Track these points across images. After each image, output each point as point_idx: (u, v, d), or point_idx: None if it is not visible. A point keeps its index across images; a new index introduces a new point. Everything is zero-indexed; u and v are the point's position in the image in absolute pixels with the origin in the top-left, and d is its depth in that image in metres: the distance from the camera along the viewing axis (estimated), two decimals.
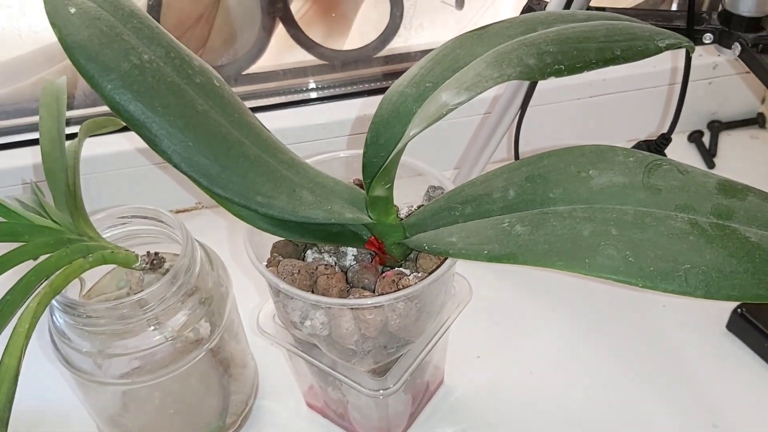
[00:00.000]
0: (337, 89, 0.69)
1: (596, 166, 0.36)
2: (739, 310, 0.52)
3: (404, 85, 0.38)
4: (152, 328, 0.41)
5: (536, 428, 0.48)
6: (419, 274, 0.40)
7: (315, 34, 0.71)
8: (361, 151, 0.40)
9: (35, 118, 0.65)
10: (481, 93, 0.34)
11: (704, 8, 0.49)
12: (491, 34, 0.38)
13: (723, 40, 0.47)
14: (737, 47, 0.46)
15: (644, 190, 0.35)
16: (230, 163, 0.38)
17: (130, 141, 0.63)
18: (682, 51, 0.63)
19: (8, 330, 0.37)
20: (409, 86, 0.38)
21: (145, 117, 0.35)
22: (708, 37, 0.47)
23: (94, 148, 0.62)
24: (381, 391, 0.41)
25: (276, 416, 0.50)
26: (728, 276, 0.31)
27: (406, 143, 0.35)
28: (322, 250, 0.43)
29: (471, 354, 0.53)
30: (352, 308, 0.38)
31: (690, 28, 0.46)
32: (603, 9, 0.50)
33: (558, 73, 0.35)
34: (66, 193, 0.43)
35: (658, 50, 0.38)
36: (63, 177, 0.43)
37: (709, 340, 0.53)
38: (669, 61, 0.66)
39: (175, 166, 0.36)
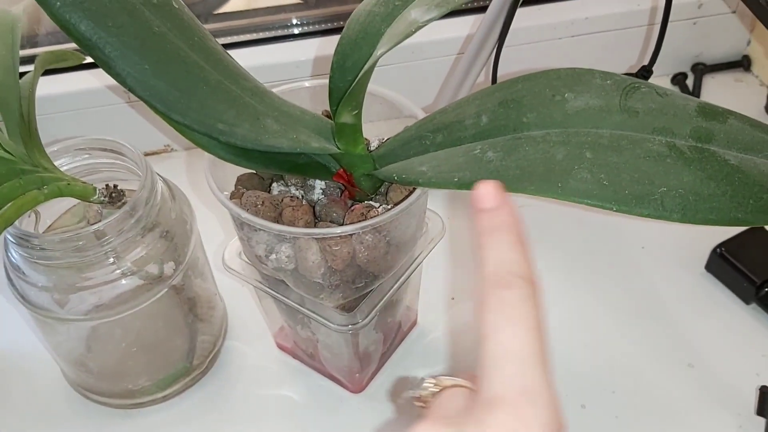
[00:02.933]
0: (311, 26, 0.67)
1: (572, 89, 0.34)
2: (718, 250, 0.51)
3: (372, 4, 0.36)
4: (111, 261, 0.40)
5: None
6: (389, 207, 0.38)
7: None
8: (323, 82, 0.39)
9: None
10: (451, 9, 0.33)
11: None
12: None
13: None
14: None
15: (621, 113, 0.33)
16: (189, 88, 0.36)
17: (95, 78, 0.61)
18: None
19: None
20: (377, 5, 0.36)
21: (97, 37, 0.33)
22: None
23: (55, 86, 0.60)
24: (349, 326, 0.39)
25: (245, 358, 0.49)
26: (706, 199, 0.30)
27: (374, 63, 0.33)
28: (289, 183, 0.41)
29: (446, 296, 0.52)
30: (318, 239, 0.36)
31: None
32: None
33: None
34: (20, 124, 0.41)
35: None
36: (16, 107, 0.41)
37: (687, 281, 0.52)
38: (651, 0, 0.64)
39: (130, 89, 0.34)
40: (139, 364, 0.44)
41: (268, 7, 0.69)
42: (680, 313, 0.50)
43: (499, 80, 0.57)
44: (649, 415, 0.45)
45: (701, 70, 0.69)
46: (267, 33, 0.66)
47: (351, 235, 0.36)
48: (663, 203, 0.30)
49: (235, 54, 0.41)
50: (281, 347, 0.49)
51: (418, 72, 0.60)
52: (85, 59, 0.52)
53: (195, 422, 0.46)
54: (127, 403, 0.45)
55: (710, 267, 0.52)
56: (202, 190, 0.54)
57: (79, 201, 0.43)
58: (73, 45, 0.64)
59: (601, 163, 0.31)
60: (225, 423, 0.46)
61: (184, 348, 0.46)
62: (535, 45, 0.63)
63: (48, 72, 0.46)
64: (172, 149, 0.65)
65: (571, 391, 0.46)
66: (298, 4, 0.69)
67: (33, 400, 0.47)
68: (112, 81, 0.60)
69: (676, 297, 0.51)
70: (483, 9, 0.52)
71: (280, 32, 0.67)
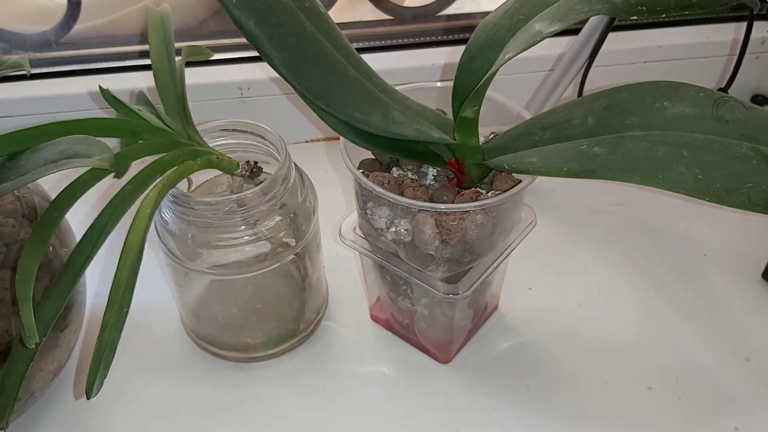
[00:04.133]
0: (402, 40, 0.74)
1: (670, 98, 0.40)
2: None
3: (498, 17, 0.42)
4: (247, 227, 0.46)
5: (581, 351, 0.52)
6: (497, 193, 0.44)
7: None
8: (447, 84, 0.45)
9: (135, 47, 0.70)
10: (572, 24, 0.38)
11: None
12: None
13: None
14: None
15: (713, 121, 0.39)
16: (334, 82, 0.42)
17: (210, 76, 0.68)
18: (739, 25, 0.67)
19: (129, 216, 0.42)
20: (503, 17, 0.42)
21: (260, 32, 0.39)
22: None
23: None
24: (452, 295, 0.45)
25: (343, 327, 0.55)
26: None
27: (500, 66, 0.39)
28: (405, 168, 0.47)
29: (524, 285, 0.57)
30: (438, 213, 0.42)
31: None
32: None
33: (641, 14, 0.39)
34: (176, 103, 0.47)
35: (729, 1, 0.41)
36: (173, 89, 0.48)
37: (744, 287, 0.57)
38: (723, 34, 0.70)
39: (285, 79, 0.40)
40: (260, 320, 0.50)
41: (362, 21, 0.75)
42: (738, 315, 0.55)
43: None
44: (708, 399, 0.49)
45: (760, 101, 0.74)
46: (360, 44, 0.73)
47: (466, 213, 0.42)
48: (749, 197, 0.35)
49: None
50: (375, 319, 0.55)
51: (508, 85, 0.66)
52: (213, 55, 0.59)
53: (298, 380, 0.51)
54: (242, 356, 0.51)
55: (767, 276, 0.57)
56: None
57: (219, 173, 0.49)
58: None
59: (696, 161, 0.37)
60: (324, 382, 0.51)
61: (296, 311, 0.52)
62: (611, 68, 0.68)
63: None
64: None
65: (639, 375, 0.51)
66: (390, 19, 0.75)
67: (153, 351, 0.53)
68: (225, 78, 0.67)
69: (734, 300, 0.56)
70: (576, 32, 0.58)
71: (372, 44, 0.74)
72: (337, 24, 0.75)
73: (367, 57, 0.71)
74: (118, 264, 0.40)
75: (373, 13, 0.76)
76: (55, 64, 0.69)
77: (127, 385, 0.51)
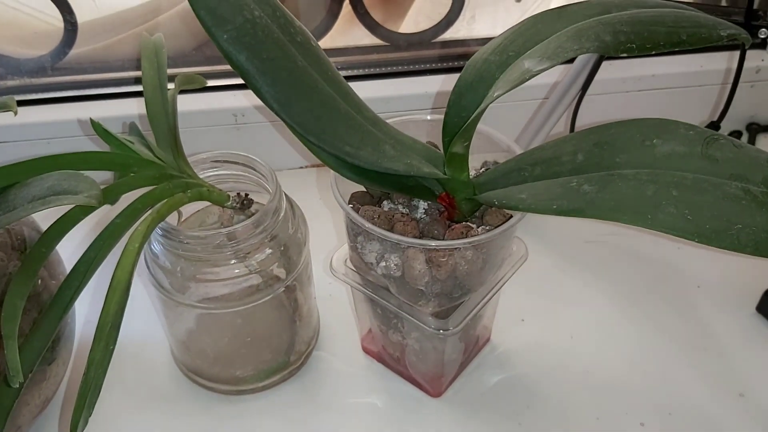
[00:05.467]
0: (397, 67, 0.74)
1: (660, 136, 0.40)
2: None
3: (488, 53, 0.42)
4: (237, 260, 0.45)
5: (573, 385, 0.52)
6: (487, 228, 0.44)
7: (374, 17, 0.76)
8: (438, 117, 0.45)
9: (130, 73, 0.71)
10: (560, 62, 0.38)
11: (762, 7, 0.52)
12: (570, 13, 0.42)
13: None
14: None
15: (703, 159, 0.38)
16: (324, 116, 0.42)
17: (205, 102, 0.68)
18: (732, 54, 0.67)
19: (118, 249, 0.42)
20: (492, 54, 0.42)
21: (252, 67, 0.39)
22: (763, 32, 0.51)
23: None
24: (442, 331, 0.45)
25: (334, 359, 0.54)
26: None
27: (489, 103, 0.39)
28: (396, 202, 0.47)
29: (516, 317, 0.57)
30: (428, 250, 0.42)
31: (747, 23, 0.50)
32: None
33: (630, 51, 0.39)
34: (168, 135, 0.47)
35: (720, 38, 0.41)
36: (165, 120, 0.48)
37: (739, 320, 0.56)
38: (717, 62, 0.70)
39: (276, 113, 0.40)
40: (250, 352, 0.50)
41: (357, 47, 0.76)
42: (732, 349, 0.54)
43: (576, 128, 0.63)
44: None
45: (755, 129, 0.74)
46: (354, 71, 0.73)
47: (456, 248, 0.42)
48: (739, 238, 0.35)
49: None
50: (367, 351, 0.54)
51: (502, 114, 0.66)
52: (206, 83, 0.59)
53: (289, 412, 0.51)
54: (232, 389, 0.51)
55: (761, 308, 0.56)
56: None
57: (209, 205, 0.49)
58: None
59: (685, 201, 0.36)
60: (314, 414, 0.51)
61: (287, 343, 0.51)
62: (604, 96, 0.69)
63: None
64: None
65: (632, 410, 0.50)
66: (385, 46, 0.76)
67: (143, 382, 0.53)
68: (220, 105, 0.67)
69: (728, 333, 0.56)
70: (569, 61, 0.58)
71: (367, 71, 0.74)
72: (332, 49, 0.76)
73: (361, 84, 0.72)
74: (105, 301, 0.40)
75: (369, 39, 0.76)
76: (50, 89, 0.69)
77: (117, 417, 0.51)
